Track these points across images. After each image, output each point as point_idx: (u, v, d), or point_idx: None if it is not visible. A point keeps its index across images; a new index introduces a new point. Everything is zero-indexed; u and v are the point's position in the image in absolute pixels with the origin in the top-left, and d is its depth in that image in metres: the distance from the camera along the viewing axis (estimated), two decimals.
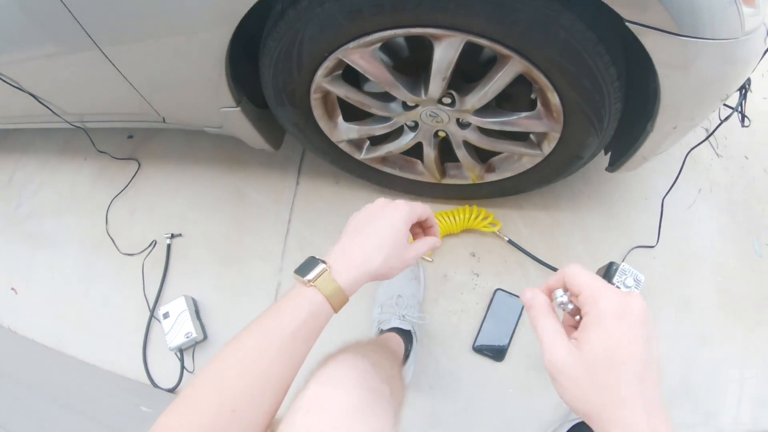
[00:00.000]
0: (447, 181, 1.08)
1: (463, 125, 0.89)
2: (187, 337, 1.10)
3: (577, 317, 0.40)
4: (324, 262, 0.50)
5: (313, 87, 0.83)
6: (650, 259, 1.16)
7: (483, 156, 1.01)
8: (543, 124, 0.81)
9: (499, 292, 1.09)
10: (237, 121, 1.00)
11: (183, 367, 1.12)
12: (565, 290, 0.42)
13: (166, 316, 1.15)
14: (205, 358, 1.14)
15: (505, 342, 1.06)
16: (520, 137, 0.92)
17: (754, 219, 1.21)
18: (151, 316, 1.20)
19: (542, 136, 0.88)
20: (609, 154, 1.02)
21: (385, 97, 0.86)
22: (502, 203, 1.18)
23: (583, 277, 0.39)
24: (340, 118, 0.97)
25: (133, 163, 1.43)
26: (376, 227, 0.52)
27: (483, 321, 1.07)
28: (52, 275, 1.33)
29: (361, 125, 0.96)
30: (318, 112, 0.91)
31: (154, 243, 1.29)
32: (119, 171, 1.43)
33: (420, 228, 0.62)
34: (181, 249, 1.27)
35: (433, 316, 1.08)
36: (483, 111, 0.83)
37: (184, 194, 1.34)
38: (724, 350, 1.05)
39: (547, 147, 0.87)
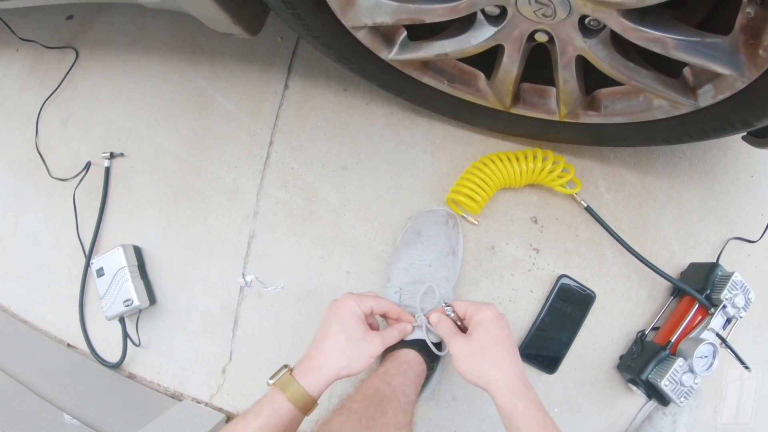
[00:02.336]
0: (518, 111, 0.71)
1: (590, 30, 0.51)
2: (127, 305, 0.81)
3: (458, 322, 0.60)
4: (289, 367, 0.53)
5: None
6: (744, 256, 0.90)
7: (588, 83, 0.64)
8: (730, 61, 0.48)
9: (564, 279, 0.78)
10: None
11: (126, 339, 0.84)
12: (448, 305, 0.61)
13: (100, 273, 0.84)
14: (154, 328, 0.85)
15: (561, 349, 0.78)
16: (667, 70, 0.56)
17: None
18: (87, 266, 0.89)
19: (709, 80, 0.54)
20: None
21: None
22: (582, 152, 0.83)
23: (462, 302, 0.60)
24: None
25: (70, 52, 1.07)
26: (329, 328, 0.55)
27: (538, 318, 0.78)
28: None
29: (402, 1, 0.56)
30: None
31: (88, 165, 0.94)
32: (54, 64, 1.09)
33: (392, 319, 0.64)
34: (123, 174, 0.91)
35: None
36: (645, 13, 0.47)
37: (129, 97, 0.95)
38: None
39: (708, 98, 0.54)
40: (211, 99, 0.89)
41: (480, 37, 0.59)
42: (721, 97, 0.53)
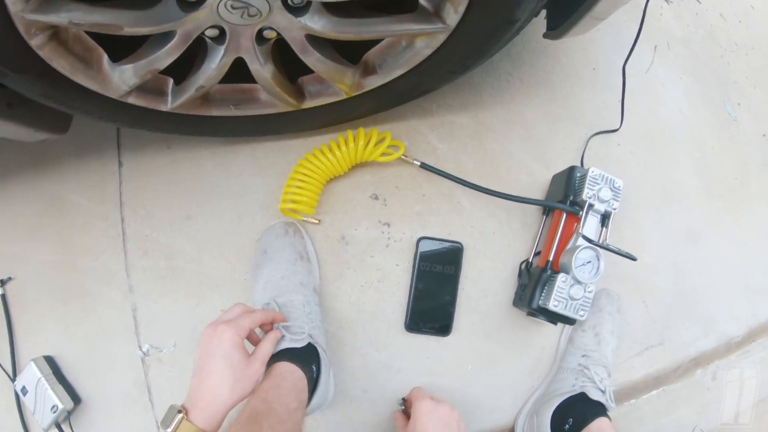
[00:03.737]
0: (309, 104, 0.72)
1: (295, 9, 0.53)
2: (54, 412, 0.84)
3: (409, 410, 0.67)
4: (181, 409, 0.53)
5: (21, 28, 0.47)
6: (614, 146, 0.88)
7: (352, 53, 0.65)
8: None
9: (423, 241, 0.78)
10: None
11: None
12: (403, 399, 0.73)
13: (24, 391, 0.88)
14: (89, 425, 0.89)
15: (448, 309, 0.78)
16: (404, 8, 0.57)
17: (720, 74, 1.03)
18: (16, 390, 0.93)
19: None
20: (545, 13, 0.67)
21: (142, 2, 0.50)
22: (401, 114, 0.82)
23: (414, 391, 0.69)
24: (105, 60, 0.59)
25: None
26: (212, 363, 0.55)
27: (411, 288, 0.78)
28: None
29: (134, 61, 0.58)
30: (63, 63, 0.55)
31: None
32: None
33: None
34: (18, 296, 0.95)
35: (341, 299, 0.78)
36: None
37: (1, 223, 0.99)
38: (713, 243, 0.92)
39: (453, 14, 0.55)
40: (65, 199, 0.92)
41: (215, 59, 0.61)
42: (463, 8, 0.53)
